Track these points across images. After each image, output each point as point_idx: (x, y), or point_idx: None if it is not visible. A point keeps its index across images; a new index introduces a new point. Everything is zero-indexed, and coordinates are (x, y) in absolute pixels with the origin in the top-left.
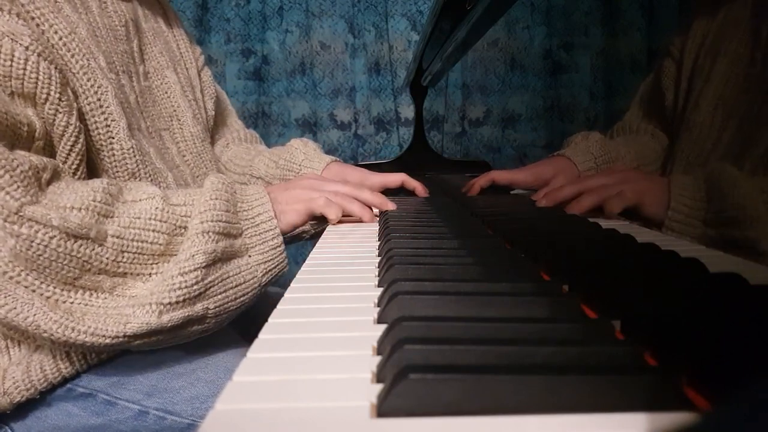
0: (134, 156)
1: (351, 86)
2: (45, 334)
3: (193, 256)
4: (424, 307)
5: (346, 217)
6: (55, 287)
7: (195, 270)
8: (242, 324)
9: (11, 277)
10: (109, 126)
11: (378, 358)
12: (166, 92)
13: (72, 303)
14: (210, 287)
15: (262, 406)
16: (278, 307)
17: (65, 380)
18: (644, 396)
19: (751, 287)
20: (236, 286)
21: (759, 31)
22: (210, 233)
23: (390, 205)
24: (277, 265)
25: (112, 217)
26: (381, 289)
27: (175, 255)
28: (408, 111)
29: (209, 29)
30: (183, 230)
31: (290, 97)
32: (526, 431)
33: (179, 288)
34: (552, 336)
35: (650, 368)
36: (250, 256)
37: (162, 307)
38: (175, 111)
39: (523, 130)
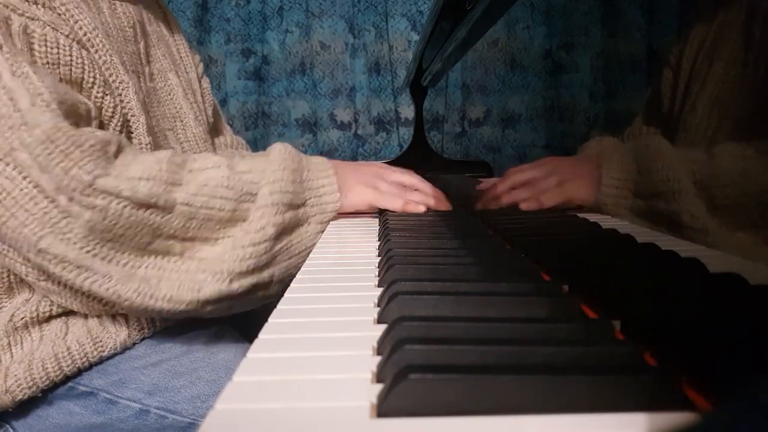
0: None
1: (351, 86)
2: (126, 303)
3: (264, 228)
4: (424, 307)
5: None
6: (129, 254)
7: (265, 241)
8: (242, 324)
9: (88, 251)
10: (128, 121)
11: (378, 358)
12: (170, 94)
13: (147, 269)
14: (276, 255)
15: (262, 406)
16: (278, 307)
17: (67, 378)
18: (644, 396)
19: (751, 287)
20: (298, 253)
21: (752, 32)
22: (279, 205)
23: (444, 205)
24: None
25: (180, 185)
26: (381, 289)
27: (242, 221)
28: (408, 111)
29: (209, 29)
30: (250, 196)
31: (290, 97)
32: (526, 431)
33: (250, 258)
34: (552, 336)
35: (650, 368)
36: (309, 224)
37: (233, 275)
38: (178, 112)
39: (523, 130)
